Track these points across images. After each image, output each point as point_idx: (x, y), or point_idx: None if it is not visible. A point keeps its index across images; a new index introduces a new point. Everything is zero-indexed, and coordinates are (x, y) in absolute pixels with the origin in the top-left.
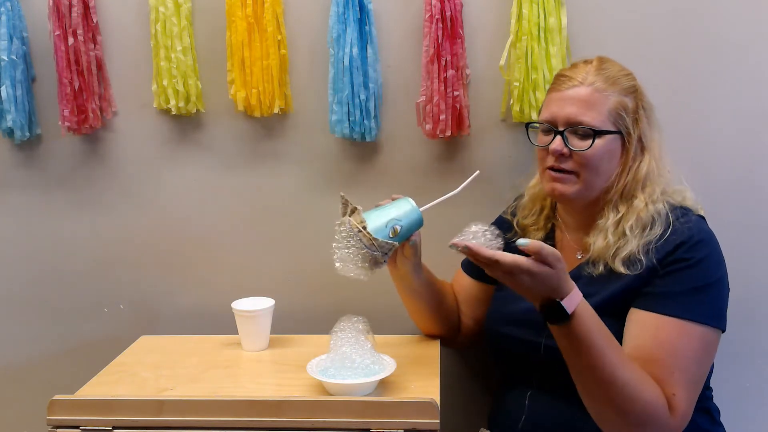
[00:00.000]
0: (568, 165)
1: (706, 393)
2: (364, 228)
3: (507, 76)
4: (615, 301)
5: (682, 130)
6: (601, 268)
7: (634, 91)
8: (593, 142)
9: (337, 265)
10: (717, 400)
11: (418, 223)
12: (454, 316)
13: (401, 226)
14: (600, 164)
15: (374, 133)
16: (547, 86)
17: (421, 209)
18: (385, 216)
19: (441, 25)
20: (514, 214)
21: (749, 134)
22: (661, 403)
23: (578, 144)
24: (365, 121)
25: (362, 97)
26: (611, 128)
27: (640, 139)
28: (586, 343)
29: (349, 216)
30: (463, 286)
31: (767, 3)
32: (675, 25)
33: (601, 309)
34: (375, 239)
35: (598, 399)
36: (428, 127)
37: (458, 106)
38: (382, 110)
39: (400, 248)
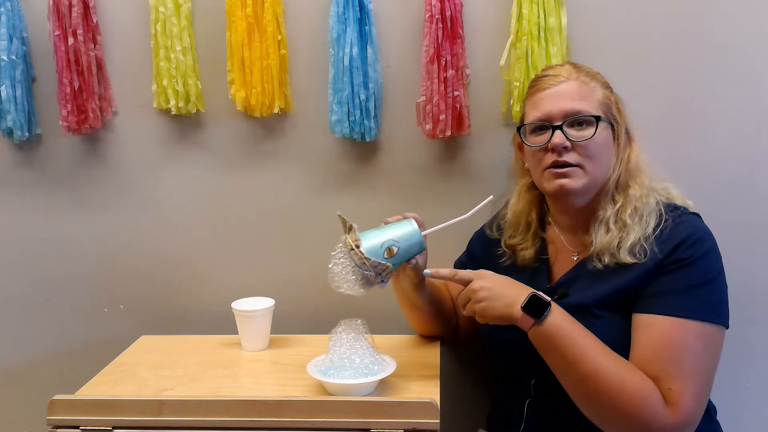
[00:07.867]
0: (571, 158)
1: None
2: (357, 247)
3: (507, 76)
4: (620, 295)
5: (683, 130)
6: (606, 259)
7: (610, 87)
8: (596, 128)
9: (330, 278)
10: (716, 400)
11: (419, 246)
12: (452, 319)
13: (398, 248)
14: (602, 153)
15: (374, 133)
16: None
17: (424, 233)
18: (383, 236)
19: (441, 25)
20: (500, 230)
21: (749, 134)
22: (651, 391)
23: (579, 135)
24: (365, 121)
25: (362, 97)
26: (604, 117)
27: (626, 130)
28: (565, 337)
29: (347, 233)
30: (457, 287)
31: (767, 3)
32: (675, 25)
33: (605, 303)
34: (367, 258)
35: (587, 395)
36: (428, 127)
37: (458, 106)
38: (382, 110)
39: (402, 268)
